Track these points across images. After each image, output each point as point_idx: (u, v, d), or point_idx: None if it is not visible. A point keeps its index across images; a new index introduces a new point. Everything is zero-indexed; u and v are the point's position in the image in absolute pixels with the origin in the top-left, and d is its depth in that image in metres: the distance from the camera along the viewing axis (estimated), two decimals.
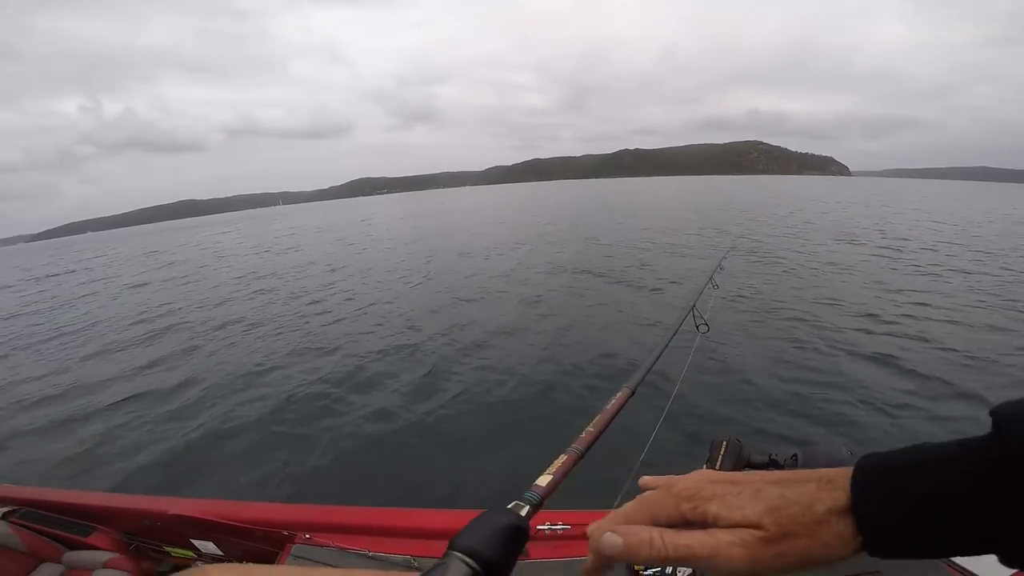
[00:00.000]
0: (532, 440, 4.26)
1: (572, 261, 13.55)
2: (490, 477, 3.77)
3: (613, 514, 0.41)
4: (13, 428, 5.71)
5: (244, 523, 2.04)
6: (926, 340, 6.25)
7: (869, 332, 6.63)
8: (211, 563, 2.28)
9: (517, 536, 0.35)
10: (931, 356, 5.74)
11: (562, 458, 0.49)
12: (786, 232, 18.41)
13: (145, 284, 17.53)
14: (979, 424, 0.32)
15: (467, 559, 0.31)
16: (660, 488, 0.41)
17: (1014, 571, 1.25)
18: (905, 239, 15.78)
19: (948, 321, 7.01)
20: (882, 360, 5.64)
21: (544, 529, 1.74)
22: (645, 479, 0.45)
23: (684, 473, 0.43)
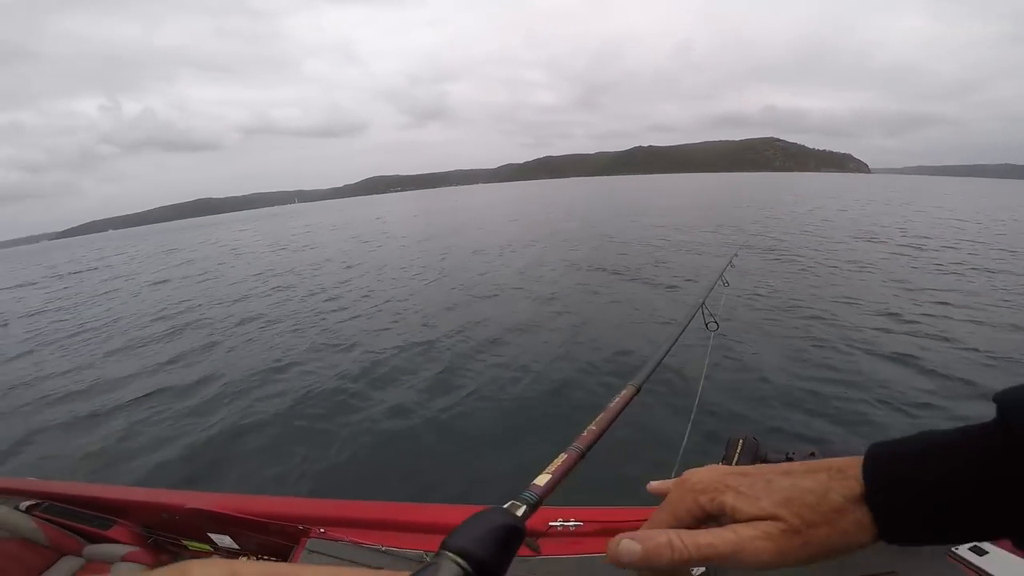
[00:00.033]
0: (546, 437, 4.27)
1: (586, 259, 13.52)
2: (504, 474, 3.79)
3: (645, 528, 0.41)
4: (38, 423, 5.85)
5: (260, 517, 2.07)
6: (947, 339, 6.14)
7: (888, 331, 6.53)
8: (227, 557, 2.34)
9: (512, 537, 0.34)
10: (952, 356, 5.64)
11: (562, 457, 0.48)
12: (804, 230, 18.17)
13: (165, 281, 17.84)
14: None
15: (459, 559, 0.30)
16: (676, 485, 0.41)
17: None
18: (926, 237, 15.48)
19: (970, 320, 6.88)
20: (901, 359, 5.56)
21: (557, 526, 1.74)
22: (653, 485, 0.46)
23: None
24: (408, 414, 4.95)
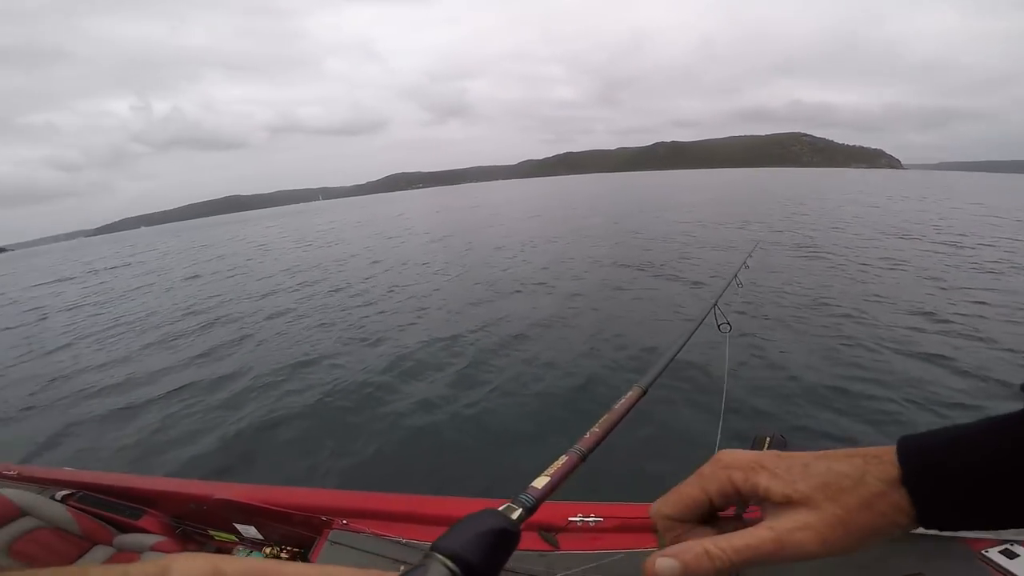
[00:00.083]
0: (571, 433, 4.27)
1: (609, 255, 13.45)
2: (526, 471, 3.81)
3: (667, 495, 0.41)
4: (77, 416, 6.04)
5: (284, 508, 2.11)
6: (983, 340, 5.95)
7: (921, 330, 6.36)
8: (252, 547, 2.40)
9: (505, 541, 0.33)
10: (988, 356, 5.47)
11: (562, 459, 0.47)
12: (833, 226, 17.72)
13: (196, 276, 18.30)
14: None
15: (448, 562, 0.29)
16: (710, 462, 0.40)
17: None
18: (962, 234, 14.94)
19: (1008, 320, 6.64)
20: (934, 359, 5.41)
21: (576, 521, 1.75)
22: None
23: None
24: (433, 409, 5.01)
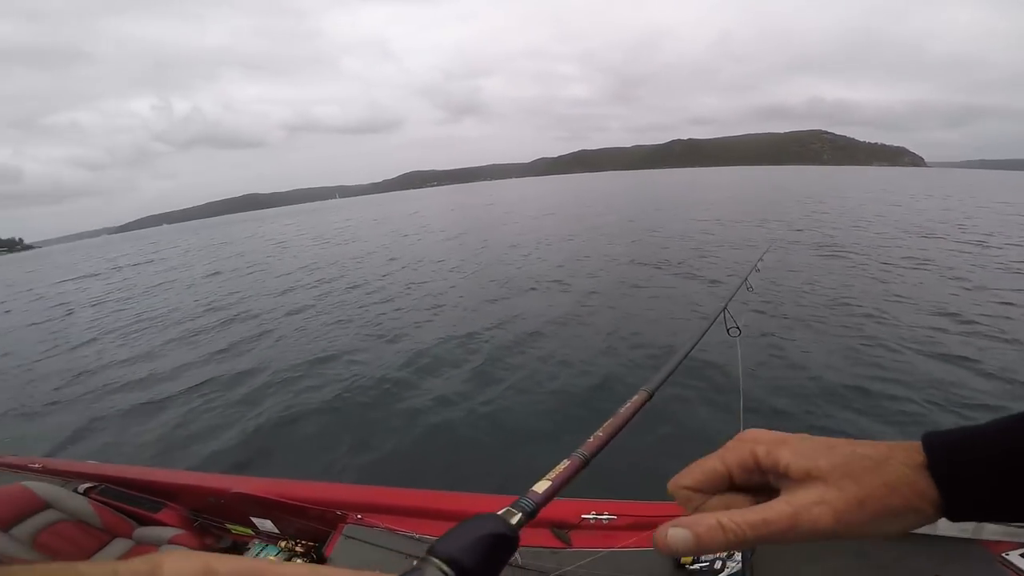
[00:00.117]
0: (587, 432, 4.26)
1: (626, 253, 13.38)
2: (540, 468, 3.82)
3: (686, 468, 0.40)
4: (101, 410, 6.17)
5: (300, 502, 2.15)
6: (1008, 341, 5.80)
7: (944, 331, 6.24)
8: (267, 541, 2.44)
9: (503, 546, 0.33)
10: (1015, 357, 5.33)
11: (564, 463, 0.46)
12: (854, 225, 17.40)
13: (217, 273, 18.62)
14: None
15: (443, 566, 0.29)
16: (734, 438, 0.40)
17: None
18: (988, 233, 14.57)
19: None
20: (958, 360, 5.30)
21: (589, 518, 1.75)
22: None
23: None
24: (449, 405, 5.04)
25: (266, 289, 13.30)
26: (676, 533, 0.34)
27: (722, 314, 1.70)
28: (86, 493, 2.52)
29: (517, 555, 1.67)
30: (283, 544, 2.35)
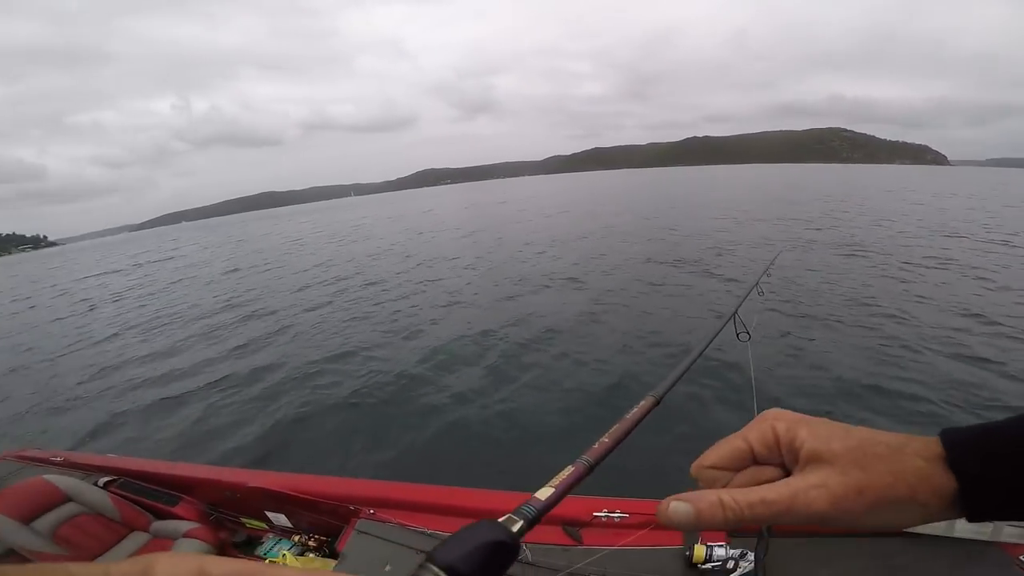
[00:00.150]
0: (602, 430, 4.26)
1: (642, 251, 13.29)
2: (554, 466, 3.81)
3: (711, 448, 0.41)
4: (122, 405, 6.27)
5: (314, 496, 2.17)
6: None
7: (967, 331, 6.11)
8: (281, 535, 2.47)
9: (503, 554, 0.33)
10: None
11: (569, 470, 0.46)
12: (875, 224, 17.09)
13: (235, 270, 18.87)
14: None
15: (442, 574, 0.29)
16: (756, 417, 0.40)
17: None
18: (1014, 233, 14.22)
19: None
20: (980, 362, 5.19)
21: (601, 516, 1.75)
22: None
23: None
24: (464, 402, 5.06)
25: (283, 286, 13.45)
26: (678, 507, 0.34)
27: (731, 320, 1.68)
28: (106, 487, 2.57)
29: (528, 552, 1.68)
30: (296, 538, 2.38)
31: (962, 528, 1.37)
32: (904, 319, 6.64)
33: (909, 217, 19.06)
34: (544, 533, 1.73)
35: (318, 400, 5.50)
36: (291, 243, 28.55)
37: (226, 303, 12.03)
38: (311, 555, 2.27)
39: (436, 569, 0.29)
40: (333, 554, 2.04)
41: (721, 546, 1.58)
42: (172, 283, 17.77)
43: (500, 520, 0.35)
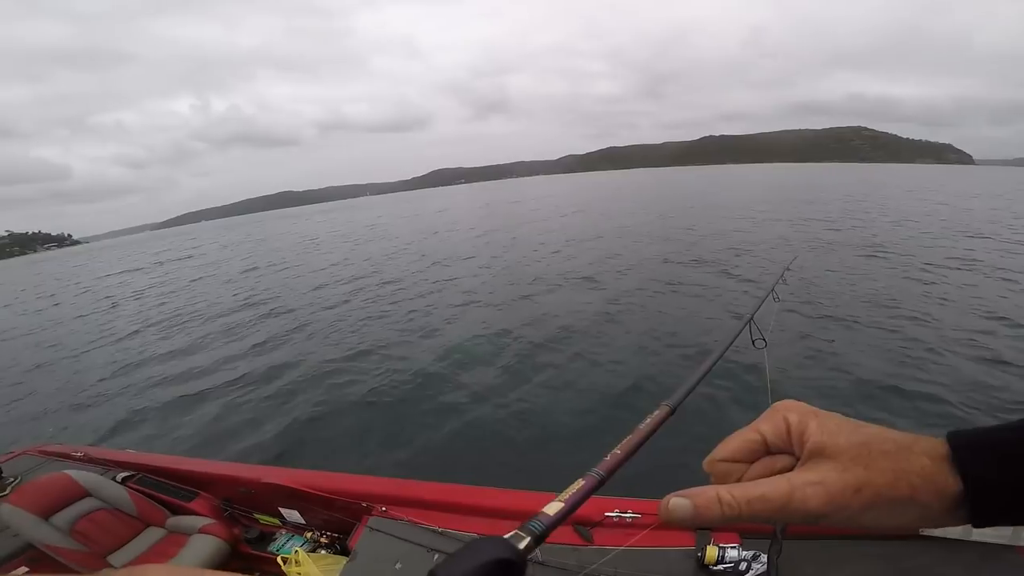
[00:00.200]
0: (617, 432, 4.24)
1: (658, 251, 13.19)
2: (567, 467, 3.81)
3: (723, 442, 0.40)
4: (143, 402, 6.39)
5: (327, 493, 2.18)
6: None
7: (992, 333, 5.97)
8: (294, 531, 2.50)
9: (508, 573, 0.32)
10: None
11: (579, 483, 0.44)
12: (896, 224, 16.75)
13: (254, 268, 19.14)
14: None
15: None
16: (769, 408, 0.40)
17: None
18: None
19: None
20: (1004, 366, 5.06)
21: (612, 516, 1.74)
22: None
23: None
24: (479, 401, 5.07)
25: (301, 284, 13.60)
26: (677, 502, 0.34)
27: (747, 326, 1.67)
28: (124, 482, 2.62)
29: (538, 551, 1.68)
30: (308, 535, 2.40)
31: (980, 531, 1.34)
32: (926, 321, 6.51)
33: (932, 217, 18.65)
34: (555, 533, 1.72)
35: (334, 398, 5.56)
36: (308, 242, 28.90)
37: (244, 301, 12.21)
38: (323, 552, 2.29)
39: None
40: (345, 551, 2.06)
41: (734, 547, 1.56)
42: (192, 281, 18.09)
43: (506, 536, 0.35)
